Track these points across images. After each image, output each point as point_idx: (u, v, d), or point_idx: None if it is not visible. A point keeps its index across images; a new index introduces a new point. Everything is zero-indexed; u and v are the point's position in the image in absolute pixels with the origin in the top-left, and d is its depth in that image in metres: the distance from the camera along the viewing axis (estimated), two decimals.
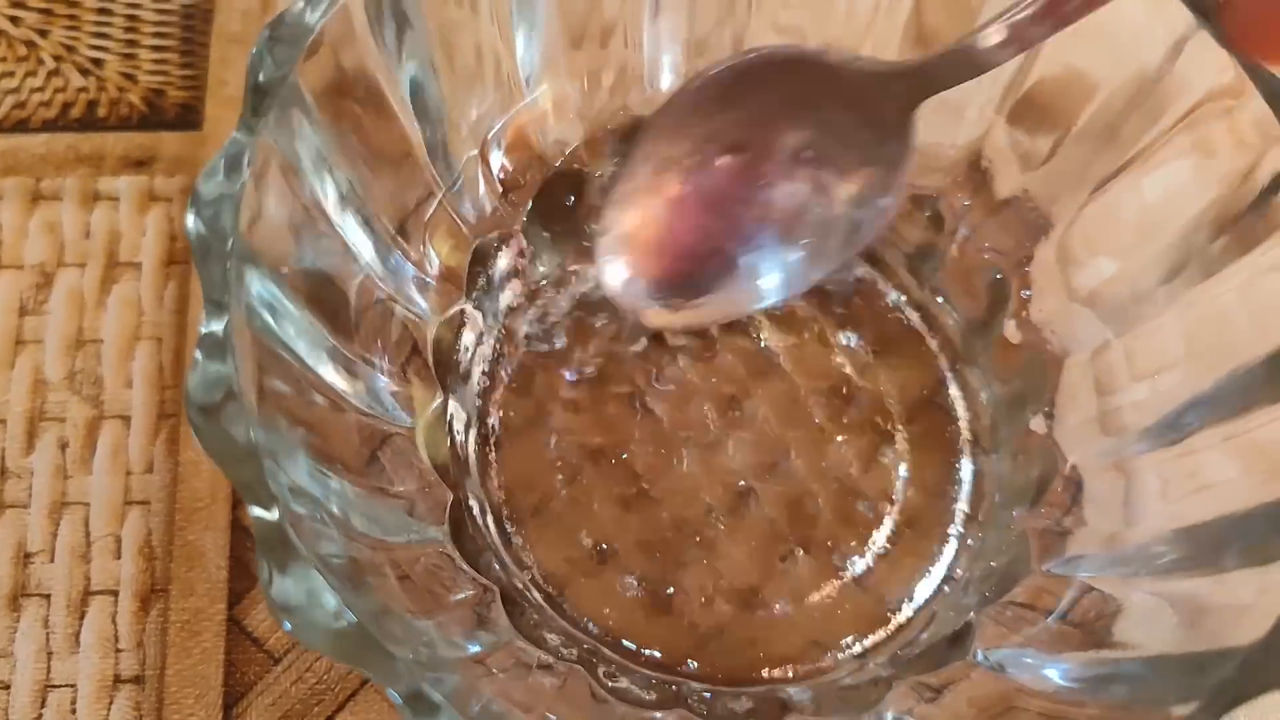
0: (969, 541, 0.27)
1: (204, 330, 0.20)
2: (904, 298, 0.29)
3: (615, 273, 0.27)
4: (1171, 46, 0.24)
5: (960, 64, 0.24)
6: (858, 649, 0.26)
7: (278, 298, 0.22)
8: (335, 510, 0.22)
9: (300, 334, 0.23)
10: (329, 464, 0.22)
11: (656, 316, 0.28)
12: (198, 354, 0.20)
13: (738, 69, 0.26)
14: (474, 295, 0.27)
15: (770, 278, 0.27)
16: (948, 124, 0.28)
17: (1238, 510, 0.22)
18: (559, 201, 0.28)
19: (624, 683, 0.25)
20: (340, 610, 0.19)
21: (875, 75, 0.25)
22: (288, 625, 0.19)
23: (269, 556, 0.19)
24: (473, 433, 0.27)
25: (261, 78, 0.22)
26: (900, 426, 0.28)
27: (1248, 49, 0.22)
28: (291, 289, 0.22)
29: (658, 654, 0.26)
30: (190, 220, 0.20)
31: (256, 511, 0.19)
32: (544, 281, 0.29)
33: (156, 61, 0.32)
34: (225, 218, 0.21)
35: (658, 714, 0.24)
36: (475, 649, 0.23)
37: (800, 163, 0.26)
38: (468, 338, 0.28)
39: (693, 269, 0.27)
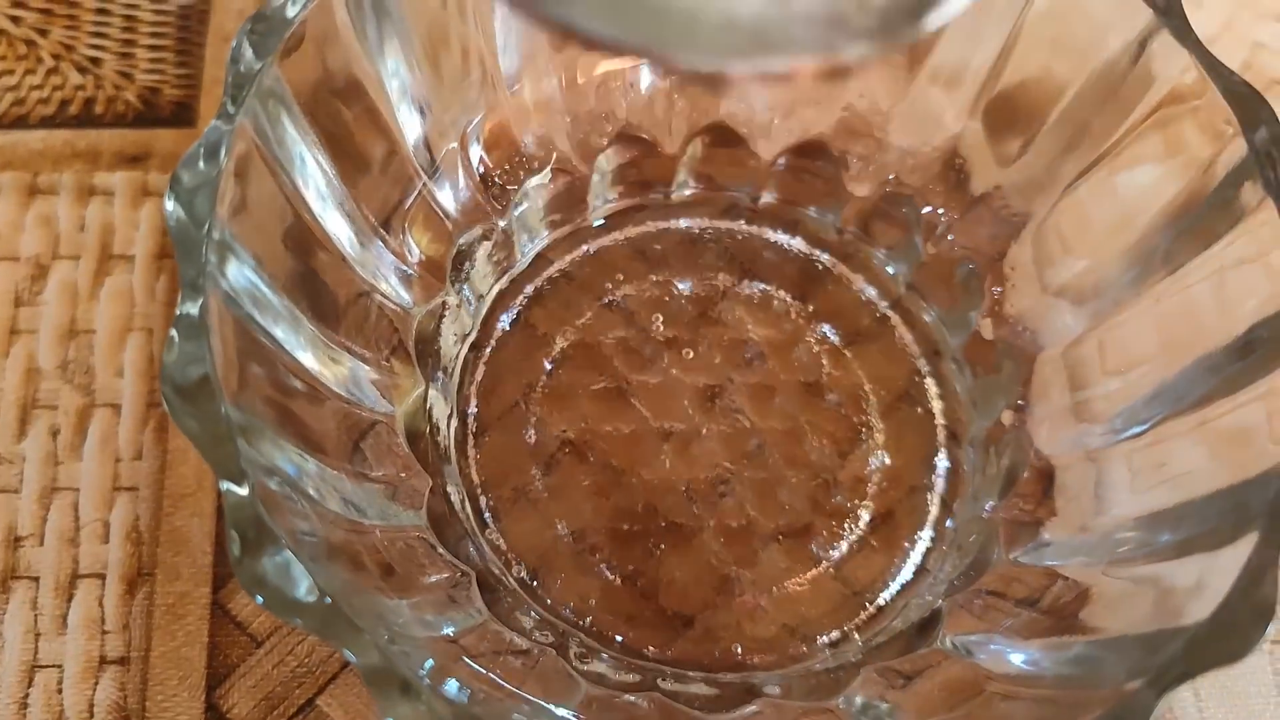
0: (943, 532, 0.27)
1: (180, 311, 0.21)
2: (881, 293, 0.30)
3: None
4: (1135, 45, 0.24)
5: None
6: (832, 637, 0.27)
7: (257, 285, 0.23)
8: (311, 492, 0.22)
9: (280, 321, 0.23)
10: (307, 447, 0.23)
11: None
12: (173, 333, 0.20)
13: None
14: (455, 286, 0.28)
15: None
16: (925, 128, 0.29)
17: (1198, 496, 0.23)
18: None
19: (597, 665, 0.25)
20: (311, 586, 0.19)
21: None
22: (259, 599, 0.19)
23: (239, 531, 0.19)
24: (452, 421, 0.28)
25: (241, 68, 0.22)
26: (877, 419, 0.29)
27: None
28: (271, 277, 0.23)
29: (631, 639, 0.26)
30: (169, 205, 0.21)
31: (228, 486, 0.20)
32: (525, 271, 0.29)
33: (153, 61, 0.33)
34: (203, 204, 0.21)
35: (629, 696, 0.24)
36: (449, 630, 0.23)
37: None
38: (448, 328, 0.28)
39: None
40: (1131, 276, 0.26)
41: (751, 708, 0.24)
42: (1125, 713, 0.19)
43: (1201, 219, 0.24)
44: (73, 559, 0.28)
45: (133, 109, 0.32)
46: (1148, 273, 0.26)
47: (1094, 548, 0.24)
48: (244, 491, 0.19)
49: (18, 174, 0.31)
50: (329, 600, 0.19)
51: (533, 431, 0.28)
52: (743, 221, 0.30)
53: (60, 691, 0.27)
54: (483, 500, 0.27)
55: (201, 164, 0.22)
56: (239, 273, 0.22)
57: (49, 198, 0.31)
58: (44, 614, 0.27)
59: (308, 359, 0.24)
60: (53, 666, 0.27)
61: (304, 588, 0.19)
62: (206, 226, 0.21)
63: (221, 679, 0.27)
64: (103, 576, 0.28)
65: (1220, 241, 0.24)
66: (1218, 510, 0.22)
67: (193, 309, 0.21)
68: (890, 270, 0.30)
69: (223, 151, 0.22)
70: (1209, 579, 0.21)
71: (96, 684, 0.27)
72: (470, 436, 0.28)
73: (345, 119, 0.25)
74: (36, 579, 0.28)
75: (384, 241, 0.26)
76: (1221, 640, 0.19)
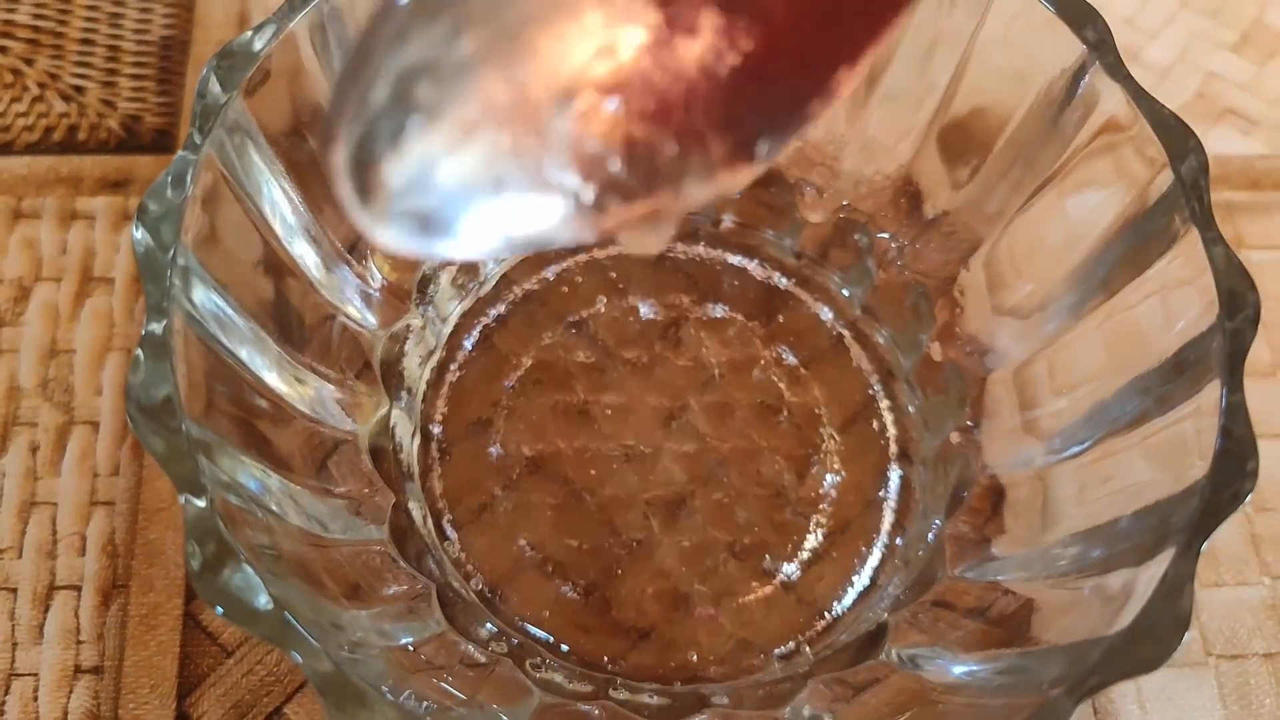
0: (894, 548, 0.28)
1: (146, 331, 0.22)
2: (837, 316, 0.31)
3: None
4: (1070, 75, 0.25)
5: None
6: (785, 649, 0.27)
7: (223, 309, 0.24)
8: (273, 506, 0.23)
9: (245, 343, 0.24)
10: (271, 464, 0.24)
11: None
12: (139, 353, 0.21)
13: None
14: (420, 309, 0.29)
15: None
16: (877, 155, 0.30)
17: (1130, 512, 0.24)
18: None
19: (551, 675, 0.26)
20: (269, 597, 0.20)
21: None
22: (219, 609, 0.20)
23: (199, 543, 0.20)
24: (416, 440, 0.29)
25: (208, 100, 0.23)
26: (831, 438, 0.29)
27: None
28: (238, 301, 0.24)
29: (587, 651, 0.27)
30: (137, 232, 0.22)
31: (187, 499, 0.20)
32: (490, 292, 0.30)
33: (135, 90, 0.34)
34: (169, 230, 0.22)
35: (581, 704, 0.25)
36: (407, 640, 0.24)
37: None
38: (413, 349, 0.29)
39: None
40: (1078, 297, 0.27)
41: (700, 717, 0.25)
42: (1046, 716, 0.20)
43: (1139, 242, 0.25)
44: (50, 571, 0.29)
45: (115, 136, 0.33)
46: (1093, 293, 0.27)
47: (1033, 562, 0.25)
48: (202, 504, 0.20)
49: (2, 199, 0.32)
50: (285, 611, 0.20)
51: (496, 449, 0.29)
52: (703, 244, 0.31)
53: (36, 699, 0.28)
54: (445, 516, 0.28)
55: (169, 192, 0.22)
56: (204, 296, 0.23)
57: (32, 221, 0.32)
58: (21, 624, 0.28)
59: (273, 379, 0.25)
60: (29, 675, 0.28)
61: (262, 599, 0.20)
62: (171, 252, 0.22)
63: (192, 687, 0.28)
64: (79, 588, 0.29)
65: (1156, 264, 0.25)
66: (1144, 526, 0.23)
67: (157, 329, 0.21)
68: (845, 293, 0.30)
69: (188, 180, 0.23)
70: (1133, 591, 0.21)
71: (71, 692, 0.28)
72: (434, 454, 0.29)
73: (310, 150, 0.26)
74: (14, 590, 0.29)
75: (349, 266, 0.27)
76: (1139, 649, 0.20)
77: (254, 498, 0.22)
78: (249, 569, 0.20)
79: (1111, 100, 0.25)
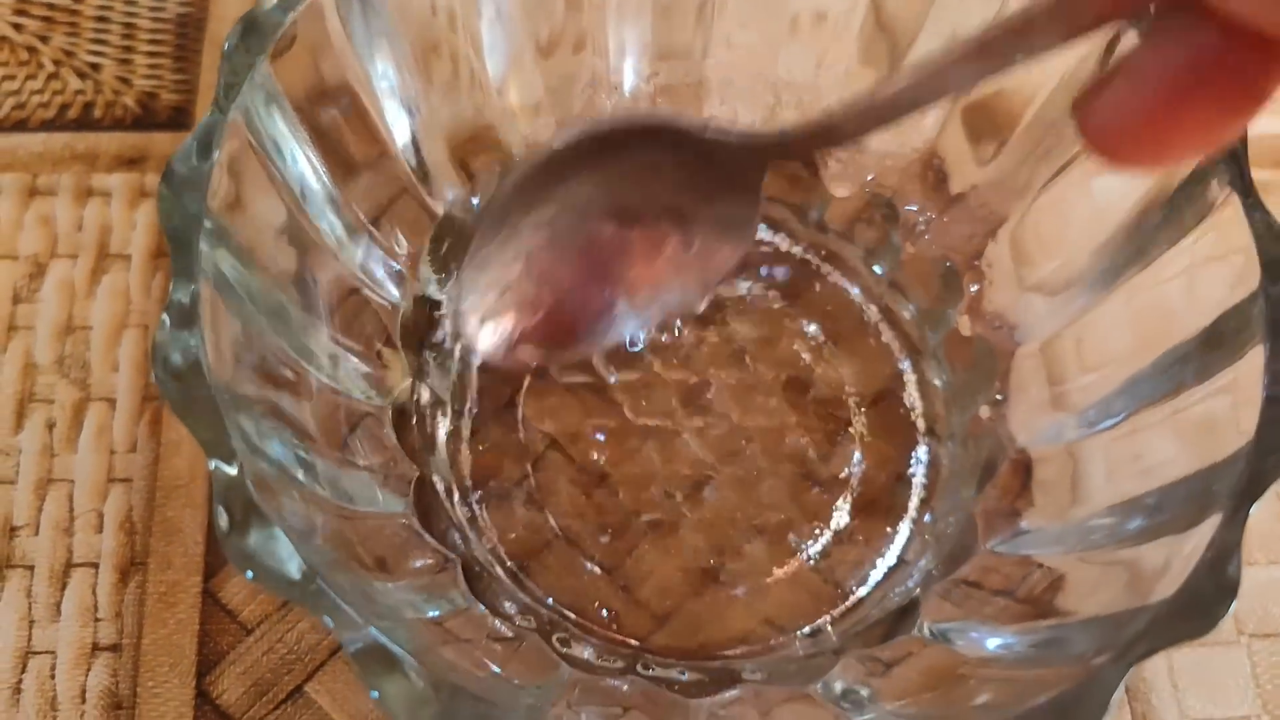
0: (922, 525, 0.28)
1: (172, 298, 0.21)
2: (864, 292, 0.30)
3: (486, 334, 0.25)
4: (1101, 49, 0.25)
5: (817, 135, 0.22)
6: (811, 627, 0.27)
7: (248, 276, 0.23)
8: (299, 476, 0.23)
9: (270, 312, 0.24)
10: (297, 435, 0.23)
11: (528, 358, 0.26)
12: (165, 318, 0.21)
13: (600, 134, 0.24)
14: (443, 285, 0.29)
15: (630, 320, 0.25)
16: (904, 130, 0.29)
17: (1168, 482, 0.23)
18: None
19: (579, 651, 0.25)
20: (300, 563, 0.20)
21: (727, 145, 0.24)
22: (249, 574, 0.20)
23: (228, 509, 0.20)
24: (440, 416, 0.28)
25: (233, 64, 0.23)
26: (857, 415, 0.29)
27: (1103, 150, 0.19)
28: (262, 269, 0.24)
29: (613, 629, 0.27)
30: (163, 195, 0.22)
31: (217, 465, 0.20)
32: None
33: (151, 66, 0.33)
34: (195, 195, 0.22)
35: (611, 680, 0.25)
36: (434, 613, 0.24)
37: (659, 222, 0.25)
38: (437, 324, 0.29)
39: (561, 323, 0.25)
40: (1105, 273, 0.27)
41: (733, 692, 0.25)
42: (1093, 684, 0.20)
43: (1170, 216, 0.25)
44: (67, 548, 0.28)
45: (131, 113, 0.33)
46: (1120, 269, 0.26)
47: (1069, 535, 0.25)
48: (233, 471, 0.20)
49: (18, 175, 0.32)
50: (317, 577, 0.19)
51: (520, 428, 0.28)
52: None
53: (53, 677, 0.27)
54: (470, 493, 0.28)
55: (194, 158, 0.22)
56: (230, 262, 0.23)
57: (48, 198, 0.32)
58: (38, 602, 0.28)
59: (298, 350, 0.25)
60: (46, 653, 0.27)
61: (293, 565, 0.20)
62: (198, 216, 0.22)
63: (211, 665, 0.27)
64: (96, 565, 0.28)
65: (1188, 237, 0.25)
66: (1185, 495, 0.22)
67: (184, 295, 0.21)
68: (873, 269, 0.30)
69: (214, 145, 0.22)
70: (1175, 560, 0.21)
71: (89, 670, 0.27)
72: (459, 432, 0.28)
73: (336, 119, 0.26)
74: (31, 567, 0.28)
75: (374, 239, 0.27)
76: (1186, 617, 0.20)
77: (281, 465, 0.22)
78: (280, 533, 0.20)
79: None
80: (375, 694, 0.19)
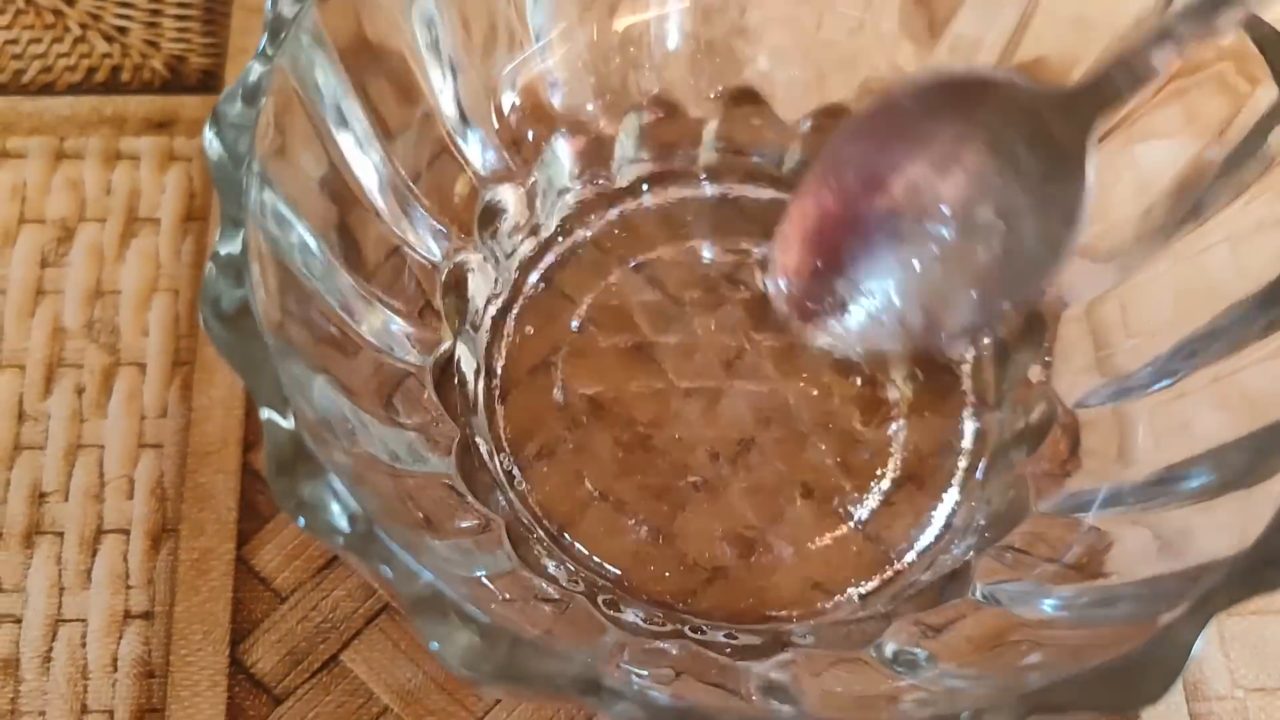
0: (970, 490, 0.27)
1: (221, 250, 0.21)
2: None
3: (785, 269, 0.28)
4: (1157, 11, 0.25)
5: (1126, 75, 0.24)
6: (858, 593, 0.27)
7: (295, 226, 0.23)
8: (349, 431, 0.22)
9: (316, 266, 0.23)
10: (344, 390, 0.23)
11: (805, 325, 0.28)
12: (210, 265, 0.20)
13: (914, 92, 0.26)
14: (483, 243, 0.28)
15: (935, 314, 0.27)
16: None
17: (1229, 441, 0.23)
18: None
19: (625, 614, 0.25)
20: (353, 513, 0.19)
21: (1049, 97, 0.25)
22: (301, 521, 0.19)
23: (279, 456, 0.19)
24: (480, 377, 0.28)
25: (280, 10, 0.22)
26: (903, 380, 0.29)
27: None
28: (307, 219, 0.23)
29: (658, 592, 0.26)
30: (210, 140, 0.21)
31: (269, 415, 0.19)
32: (552, 232, 0.29)
33: (179, 30, 0.33)
34: (244, 139, 0.21)
35: (658, 642, 0.24)
36: (480, 573, 0.23)
37: (974, 192, 0.26)
38: (476, 285, 0.28)
39: (852, 285, 0.28)
40: (1149, 238, 0.27)
41: (784, 655, 0.24)
42: (1166, 640, 0.19)
43: (1226, 175, 0.25)
44: (97, 515, 0.28)
45: (159, 77, 0.32)
46: (1166, 234, 0.26)
47: (1126, 496, 0.24)
48: (286, 418, 0.19)
49: (45, 139, 0.31)
50: (373, 524, 0.19)
51: (559, 390, 0.28)
52: (766, 186, 0.30)
53: (84, 645, 0.27)
54: (510, 455, 0.27)
55: (241, 103, 0.22)
56: (278, 211, 0.22)
57: (75, 162, 0.31)
58: (68, 569, 0.27)
59: (342, 307, 0.24)
60: (77, 620, 0.27)
61: (345, 515, 0.19)
62: (246, 162, 0.21)
63: (245, 634, 0.27)
64: (127, 532, 0.28)
65: (1242, 198, 0.25)
66: (1252, 449, 0.22)
67: (233, 244, 0.21)
68: None
69: (261, 90, 0.22)
70: (1244, 515, 0.21)
71: (120, 638, 0.27)
72: (497, 393, 0.28)
73: (379, 73, 0.25)
74: (61, 534, 0.28)
75: (414, 196, 0.26)
76: (1263, 568, 0.19)
77: (329, 419, 0.22)
78: (335, 480, 0.19)
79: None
80: (435, 645, 0.19)
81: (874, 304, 0.28)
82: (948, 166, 0.27)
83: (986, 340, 0.29)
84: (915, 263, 0.27)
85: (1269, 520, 0.20)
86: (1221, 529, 0.21)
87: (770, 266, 0.28)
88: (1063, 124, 0.25)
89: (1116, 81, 0.24)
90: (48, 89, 0.32)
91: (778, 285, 0.28)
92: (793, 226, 0.28)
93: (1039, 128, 0.25)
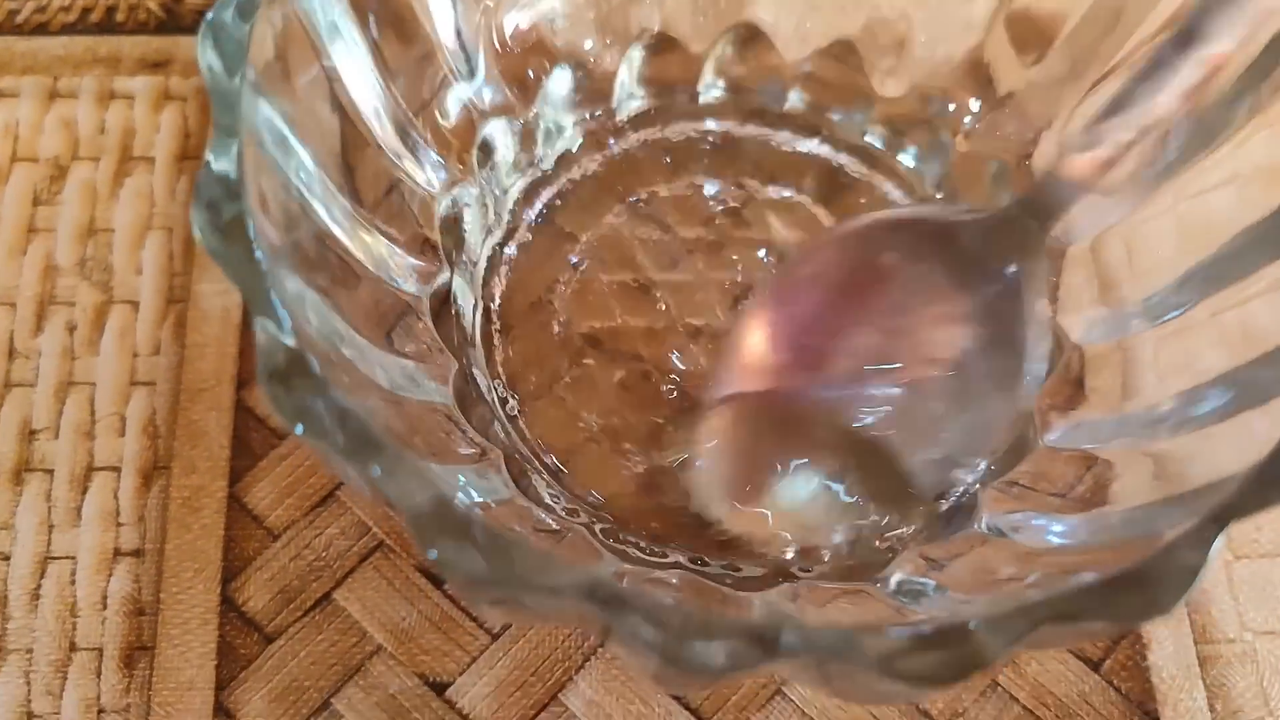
0: None
1: (213, 161, 0.20)
2: (908, 196, 0.29)
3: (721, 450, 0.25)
4: None
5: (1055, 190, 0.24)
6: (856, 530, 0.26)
7: (295, 146, 0.22)
8: (346, 354, 0.22)
9: (314, 188, 0.23)
10: (339, 312, 0.22)
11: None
12: (203, 174, 0.20)
13: (845, 238, 0.25)
14: (481, 176, 0.28)
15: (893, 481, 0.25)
16: (950, 32, 0.29)
17: (1242, 363, 0.23)
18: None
19: (624, 545, 0.24)
20: (351, 419, 0.18)
21: (989, 222, 0.24)
22: (299, 429, 0.19)
23: (275, 364, 0.19)
24: (478, 312, 0.27)
25: None
26: None
27: None
28: (306, 140, 0.23)
29: (658, 529, 0.26)
30: (205, 50, 0.21)
31: (263, 324, 0.19)
32: (550, 167, 0.29)
33: None
34: (238, 51, 0.21)
35: (658, 572, 0.24)
36: (479, 499, 0.23)
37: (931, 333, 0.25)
38: (473, 219, 0.28)
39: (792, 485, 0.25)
40: (1156, 169, 0.26)
41: (786, 585, 0.24)
42: (1177, 554, 0.19)
43: (1238, 99, 0.24)
44: (88, 452, 0.27)
45: (154, 18, 0.32)
46: (1172, 165, 0.26)
47: (1134, 425, 0.24)
48: (287, 336, 0.19)
49: (38, 78, 0.31)
50: (374, 432, 0.18)
51: (558, 326, 0.28)
52: (768, 125, 0.30)
53: (74, 583, 0.26)
54: (508, 391, 0.27)
55: (235, 13, 0.21)
56: (276, 129, 0.22)
57: (69, 101, 0.31)
58: (58, 506, 0.27)
59: (341, 233, 0.24)
60: (66, 558, 0.26)
61: (340, 425, 0.19)
62: (240, 72, 0.21)
63: (237, 572, 0.26)
64: (118, 470, 0.27)
65: (1251, 124, 0.24)
66: (1250, 382, 0.22)
67: (227, 155, 0.20)
68: (920, 172, 0.29)
69: (256, 2, 0.21)
70: (1258, 428, 0.20)
71: (110, 576, 0.26)
72: (495, 329, 0.27)
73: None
74: (51, 471, 0.27)
75: (413, 125, 0.26)
76: (1274, 483, 0.19)
77: (330, 340, 0.21)
78: (334, 391, 0.19)
79: None
80: (433, 554, 0.18)
81: (822, 483, 0.25)
82: (895, 325, 0.25)
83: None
84: (872, 427, 0.25)
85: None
86: (1225, 452, 0.21)
87: (701, 452, 0.25)
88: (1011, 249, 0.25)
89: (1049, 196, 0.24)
90: (42, 29, 0.32)
91: (707, 470, 0.25)
92: (728, 409, 0.25)
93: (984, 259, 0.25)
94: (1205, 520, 0.19)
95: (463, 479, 0.23)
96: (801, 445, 0.25)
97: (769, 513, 0.25)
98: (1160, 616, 0.18)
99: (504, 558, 0.18)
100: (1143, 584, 0.18)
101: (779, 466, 0.25)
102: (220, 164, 0.20)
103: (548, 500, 0.25)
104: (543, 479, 0.25)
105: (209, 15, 0.21)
